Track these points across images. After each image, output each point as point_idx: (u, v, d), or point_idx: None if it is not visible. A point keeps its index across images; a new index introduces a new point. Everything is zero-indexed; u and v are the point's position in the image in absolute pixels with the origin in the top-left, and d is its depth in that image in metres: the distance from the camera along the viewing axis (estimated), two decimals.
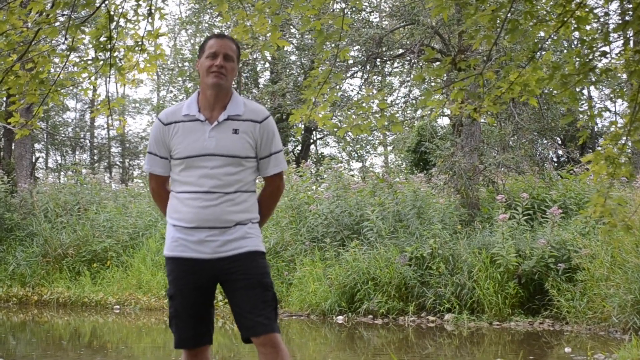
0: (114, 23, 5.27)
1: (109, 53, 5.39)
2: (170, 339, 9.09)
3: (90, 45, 5.51)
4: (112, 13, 5.22)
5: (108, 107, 6.06)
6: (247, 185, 3.50)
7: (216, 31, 22.47)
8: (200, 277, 3.45)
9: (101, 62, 5.48)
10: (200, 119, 3.48)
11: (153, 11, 5.61)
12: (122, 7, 5.51)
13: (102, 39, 5.30)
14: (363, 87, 14.61)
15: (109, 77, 5.65)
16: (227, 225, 3.42)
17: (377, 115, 5.60)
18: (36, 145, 27.51)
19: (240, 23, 5.59)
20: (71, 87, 6.07)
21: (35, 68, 5.43)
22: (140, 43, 5.71)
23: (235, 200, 3.44)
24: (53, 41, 5.93)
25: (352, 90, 20.79)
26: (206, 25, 23.86)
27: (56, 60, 5.73)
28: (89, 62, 5.63)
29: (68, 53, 5.42)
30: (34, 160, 21.50)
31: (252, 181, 3.54)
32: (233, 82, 3.61)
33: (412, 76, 14.66)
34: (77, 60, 5.84)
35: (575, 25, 5.02)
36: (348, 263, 10.48)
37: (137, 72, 5.87)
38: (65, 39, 5.30)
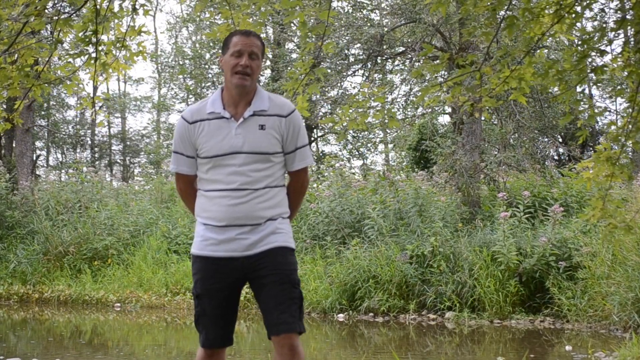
0: (101, 17, 5.24)
1: (94, 47, 5.35)
2: (171, 336, 9.11)
3: (77, 39, 5.46)
4: (98, 7, 5.20)
5: (92, 101, 6.04)
6: (276, 181, 3.45)
7: (216, 28, 22.45)
8: (230, 276, 3.41)
9: (86, 56, 5.45)
10: (226, 117, 3.42)
11: (137, 7, 5.58)
12: (109, 1, 5.48)
13: (87, 32, 5.27)
14: (363, 84, 14.61)
15: (95, 72, 5.60)
16: (258, 222, 3.38)
17: (374, 110, 5.58)
18: (37, 143, 27.52)
19: (225, 23, 5.57)
20: (68, 84, 6.04)
21: (19, 60, 5.38)
22: (121, 39, 5.69)
23: (264, 197, 3.39)
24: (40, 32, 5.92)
25: (353, 88, 20.78)
26: (207, 22, 23.84)
27: (43, 52, 5.69)
28: (73, 54, 5.60)
29: (54, 46, 5.39)
30: (34, 158, 21.49)
31: (281, 176, 3.50)
32: None
33: (413, 76, 14.64)
34: (64, 53, 5.81)
35: (572, 20, 5.02)
36: (349, 261, 10.48)
37: (112, 70, 5.82)
38: (51, 32, 5.28)
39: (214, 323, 3.45)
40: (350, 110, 5.70)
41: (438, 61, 5.30)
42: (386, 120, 5.59)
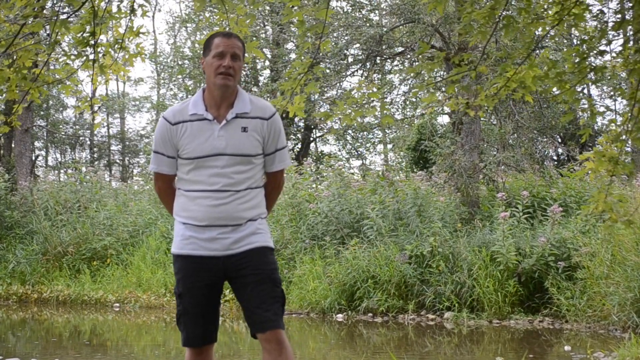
0: (98, 18, 5.23)
1: (91, 49, 5.35)
2: (170, 336, 9.11)
3: (73, 40, 5.46)
4: (96, 8, 5.19)
5: (90, 104, 6.03)
6: (256, 182, 3.51)
7: (216, 28, 22.44)
8: (210, 275, 3.45)
9: (84, 58, 5.45)
10: (208, 118, 3.46)
11: (136, 8, 5.58)
12: (107, 2, 5.49)
13: (85, 34, 5.27)
14: (360, 82, 14.61)
15: (93, 74, 5.59)
16: (239, 222, 3.43)
17: (368, 106, 5.59)
18: (36, 143, 27.51)
19: (220, 27, 5.58)
20: (67, 84, 6.03)
21: (17, 62, 5.38)
22: (120, 41, 5.69)
23: (245, 198, 3.45)
24: (38, 34, 5.91)
25: (353, 89, 20.74)
26: (206, 23, 23.84)
27: (39, 55, 5.68)
28: (70, 54, 5.59)
29: (52, 48, 5.38)
30: (33, 158, 21.50)
31: (260, 177, 3.56)
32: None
33: (411, 74, 14.65)
34: (61, 55, 5.80)
35: (573, 22, 5.02)
36: (348, 261, 10.48)
37: (111, 72, 5.82)
38: (49, 35, 5.26)
39: (194, 322, 3.49)
40: (345, 106, 5.71)
41: (434, 60, 5.29)
42: (379, 116, 5.60)
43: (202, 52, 3.63)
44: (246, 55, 3.72)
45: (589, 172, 5.53)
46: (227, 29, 5.56)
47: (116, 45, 5.70)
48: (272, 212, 3.91)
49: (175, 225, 3.54)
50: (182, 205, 3.51)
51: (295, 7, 5.25)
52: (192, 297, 3.47)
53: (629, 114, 5.00)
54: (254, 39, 20.79)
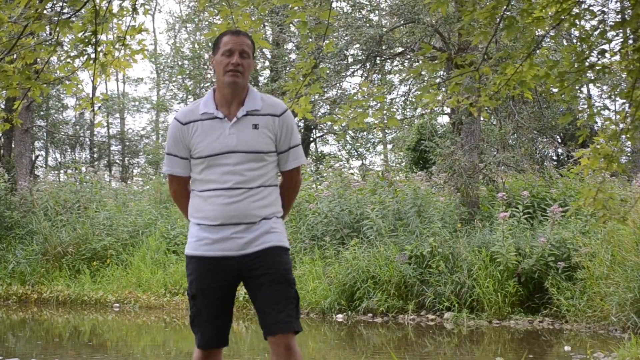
0: (100, 17, 5.24)
1: (93, 48, 5.35)
2: (170, 337, 9.11)
3: (75, 39, 5.46)
4: (97, 8, 5.20)
5: (91, 102, 6.03)
6: (269, 180, 3.47)
7: (215, 28, 22.39)
8: (225, 275, 3.41)
9: (85, 57, 5.45)
10: (219, 117, 3.44)
11: (137, 7, 5.59)
12: (108, 2, 5.49)
13: (87, 33, 5.27)
14: (362, 83, 14.57)
15: (94, 72, 5.60)
16: (253, 220, 3.39)
17: (373, 110, 5.59)
18: (36, 144, 27.50)
19: (223, 21, 5.59)
20: (68, 84, 6.03)
21: (19, 61, 5.38)
22: (122, 38, 5.69)
23: (259, 195, 3.41)
24: (41, 35, 5.91)
25: (352, 89, 20.77)
26: (206, 23, 23.84)
27: (42, 54, 5.69)
28: (73, 56, 5.60)
29: (54, 48, 5.39)
30: (33, 159, 21.49)
31: (274, 175, 3.52)
32: None
33: (411, 73, 14.65)
34: (63, 54, 5.81)
35: (572, 22, 5.03)
36: (348, 261, 10.48)
37: (113, 68, 5.83)
38: (51, 34, 5.26)
39: (209, 323, 3.45)
40: (350, 110, 5.71)
41: (437, 61, 5.29)
42: (385, 120, 5.59)
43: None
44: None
45: (583, 169, 5.54)
46: (233, 26, 5.57)
47: (118, 44, 5.70)
48: (289, 213, 3.86)
49: (190, 226, 3.51)
50: (196, 206, 3.48)
51: (297, 8, 5.25)
52: (206, 299, 3.43)
53: (626, 112, 5.01)
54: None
